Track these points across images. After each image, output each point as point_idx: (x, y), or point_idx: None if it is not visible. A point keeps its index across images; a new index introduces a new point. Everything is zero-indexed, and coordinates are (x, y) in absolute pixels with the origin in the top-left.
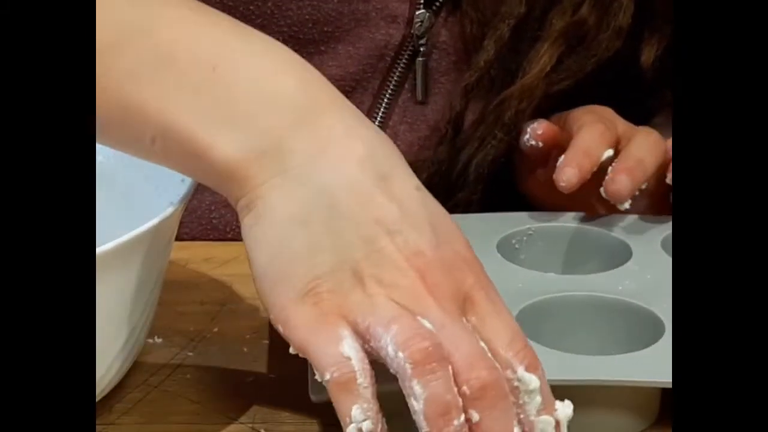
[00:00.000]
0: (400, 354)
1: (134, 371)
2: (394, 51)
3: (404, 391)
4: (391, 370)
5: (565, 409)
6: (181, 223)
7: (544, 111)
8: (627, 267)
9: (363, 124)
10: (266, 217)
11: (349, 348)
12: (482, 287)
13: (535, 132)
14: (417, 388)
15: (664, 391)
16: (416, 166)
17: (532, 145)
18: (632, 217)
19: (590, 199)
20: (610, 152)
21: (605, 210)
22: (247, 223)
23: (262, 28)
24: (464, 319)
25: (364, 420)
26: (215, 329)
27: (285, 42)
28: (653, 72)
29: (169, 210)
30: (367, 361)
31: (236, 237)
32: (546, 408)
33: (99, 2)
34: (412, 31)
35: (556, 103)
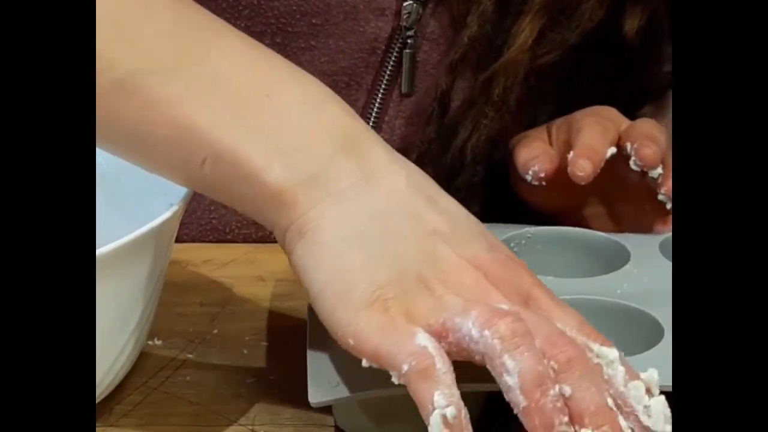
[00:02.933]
0: (486, 332)
1: (134, 373)
2: (385, 44)
3: (494, 371)
4: (476, 358)
5: (651, 374)
6: (180, 224)
7: (532, 87)
8: (625, 270)
9: (395, 153)
10: (320, 239)
11: (424, 340)
12: (540, 285)
13: (538, 176)
14: (509, 362)
15: (663, 393)
16: (405, 147)
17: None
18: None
19: (582, 210)
20: (613, 150)
21: (595, 221)
22: (299, 249)
23: (250, 19)
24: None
25: (447, 406)
26: (215, 331)
27: (273, 35)
28: (638, 43)
29: (169, 212)
30: (443, 350)
31: (235, 239)
32: (631, 375)
33: (153, 28)
34: (400, 23)
35: (544, 78)
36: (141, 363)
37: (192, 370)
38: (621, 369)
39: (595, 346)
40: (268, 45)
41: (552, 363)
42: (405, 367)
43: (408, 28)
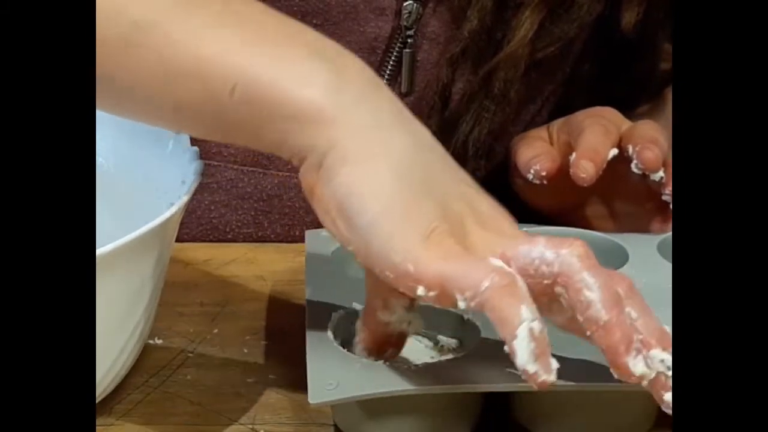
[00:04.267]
0: (563, 251)
1: (134, 372)
2: (385, 44)
3: (571, 288)
4: (544, 282)
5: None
6: (181, 224)
7: (532, 81)
8: (623, 271)
9: None
10: (375, 166)
11: (497, 262)
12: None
13: (539, 174)
14: (589, 278)
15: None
16: None
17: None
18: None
19: (582, 210)
20: (615, 151)
21: (595, 221)
22: (346, 172)
23: None
24: None
25: (534, 320)
26: (215, 330)
27: None
28: (636, 37)
29: (169, 212)
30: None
31: (236, 238)
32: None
33: None
34: (400, 23)
35: (544, 72)
36: (141, 362)
37: (192, 370)
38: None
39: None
40: None
41: (618, 289)
42: (486, 284)
43: (408, 28)
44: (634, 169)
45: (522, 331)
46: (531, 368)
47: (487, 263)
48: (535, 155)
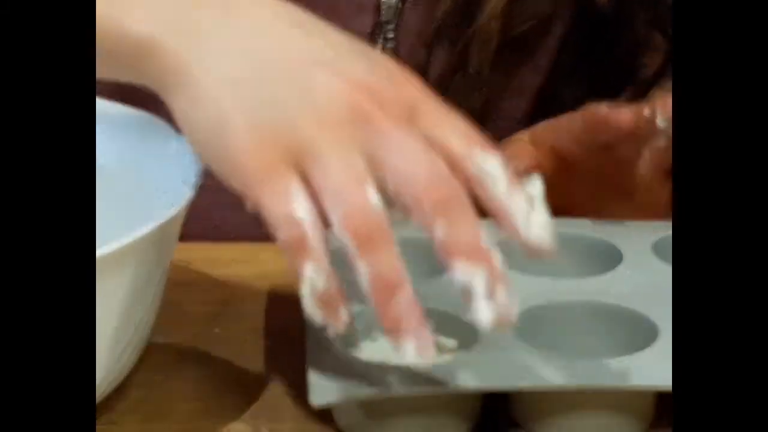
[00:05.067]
0: (343, 233)
1: (136, 370)
2: (367, 41)
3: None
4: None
5: (534, 184)
6: (182, 224)
7: (510, 63)
8: (619, 271)
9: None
10: (196, 89)
11: (300, 207)
12: (426, 97)
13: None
14: (361, 266)
15: (658, 394)
16: None
17: None
18: (622, 222)
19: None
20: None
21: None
22: (179, 101)
23: None
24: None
25: (318, 276)
26: (217, 329)
27: None
28: (613, 13)
29: (171, 212)
30: (317, 218)
31: (238, 238)
32: (514, 186)
33: None
34: (380, 19)
35: (522, 53)
36: (143, 361)
37: (193, 369)
38: (503, 179)
39: (479, 155)
40: None
41: (425, 204)
42: (279, 236)
43: (387, 23)
44: (661, 124)
45: (305, 289)
46: (317, 318)
47: (286, 207)
48: (512, 156)
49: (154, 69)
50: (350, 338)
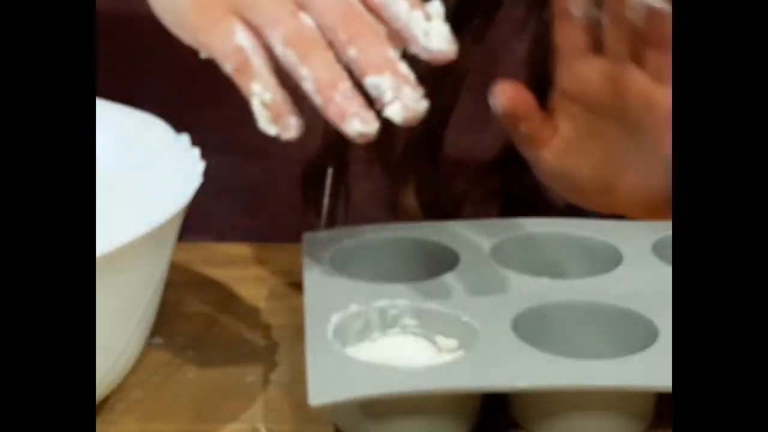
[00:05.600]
0: (285, 50)
1: (135, 371)
2: None
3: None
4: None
5: (434, 5)
6: (182, 224)
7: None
8: (618, 271)
9: None
10: None
11: (242, 39)
12: None
13: (504, 104)
14: (304, 71)
15: (658, 394)
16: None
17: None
18: (622, 222)
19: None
20: None
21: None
22: None
23: None
24: None
25: (265, 91)
26: (215, 330)
27: None
28: None
29: (170, 212)
30: (258, 46)
31: (236, 238)
32: (414, 5)
33: None
34: None
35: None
36: (142, 361)
37: (192, 369)
38: (403, 2)
39: None
40: None
41: (341, 34)
42: (227, 67)
43: None
44: None
45: (255, 106)
46: (272, 131)
47: (230, 43)
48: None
49: None
50: (349, 338)
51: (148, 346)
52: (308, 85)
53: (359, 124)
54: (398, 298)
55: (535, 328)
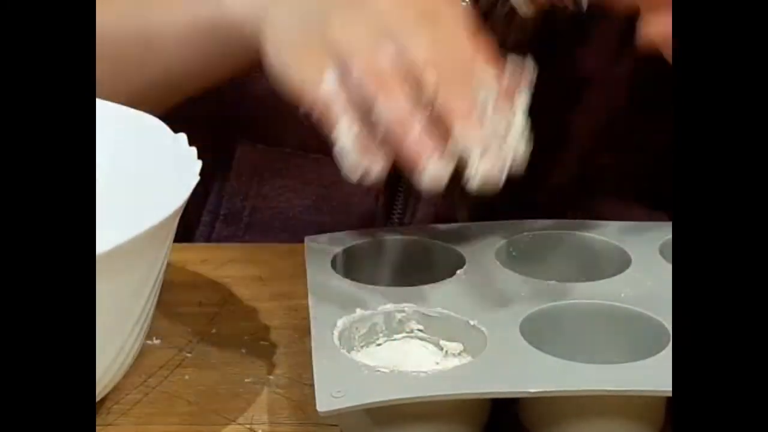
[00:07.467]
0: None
1: (133, 372)
2: None
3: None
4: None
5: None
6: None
7: None
8: (627, 274)
9: None
10: (272, 34)
11: (330, 82)
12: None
13: None
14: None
15: (669, 399)
16: None
17: None
18: (630, 224)
19: None
20: None
21: None
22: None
23: None
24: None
25: (352, 125)
26: (213, 330)
27: None
28: None
29: (168, 212)
30: (347, 94)
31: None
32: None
33: None
34: None
35: None
36: (140, 362)
37: (191, 370)
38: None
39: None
40: None
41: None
42: (316, 114)
43: None
44: None
45: (343, 141)
46: (359, 170)
47: (317, 89)
48: None
49: (245, 34)
50: (355, 343)
51: (146, 346)
52: (383, 122)
53: (430, 176)
54: (404, 302)
55: (543, 331)
